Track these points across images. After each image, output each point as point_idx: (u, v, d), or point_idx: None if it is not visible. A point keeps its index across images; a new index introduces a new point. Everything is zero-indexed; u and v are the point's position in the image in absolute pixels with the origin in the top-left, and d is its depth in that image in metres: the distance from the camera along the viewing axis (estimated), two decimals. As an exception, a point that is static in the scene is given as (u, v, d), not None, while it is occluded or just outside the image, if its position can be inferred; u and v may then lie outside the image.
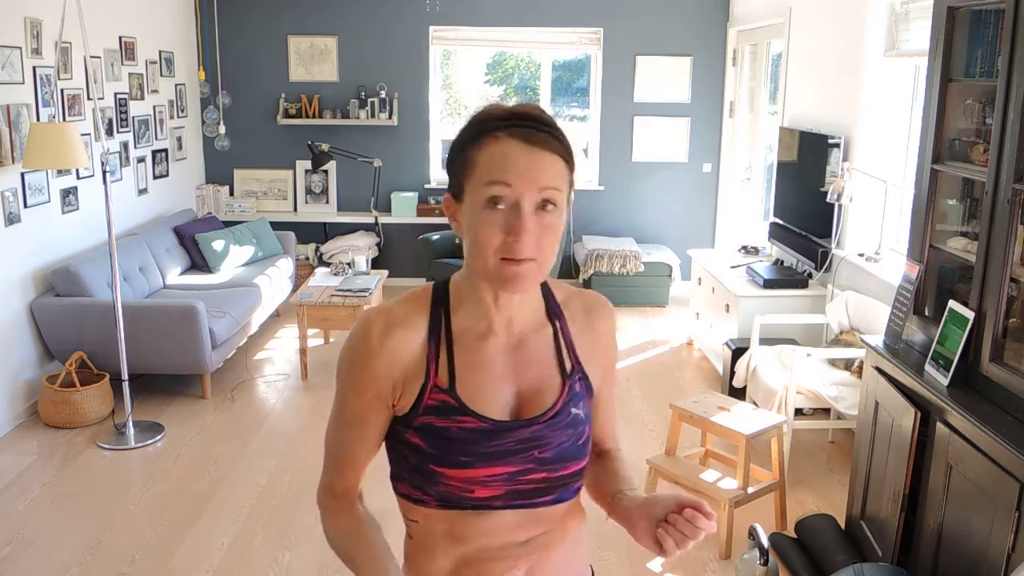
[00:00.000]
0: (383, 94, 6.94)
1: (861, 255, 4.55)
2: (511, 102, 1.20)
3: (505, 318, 1.24)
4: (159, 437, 4.33)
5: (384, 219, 7.09)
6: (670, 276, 6.72)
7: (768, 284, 4.87)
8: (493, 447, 1.20)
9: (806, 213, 5.12)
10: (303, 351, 5.17)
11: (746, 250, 5.84)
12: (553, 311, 1.29)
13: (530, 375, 1.24)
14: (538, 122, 1.16)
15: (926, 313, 3.00)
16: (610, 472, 1.36)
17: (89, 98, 5.11)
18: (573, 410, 1.25)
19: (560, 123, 1.20)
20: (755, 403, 4.18)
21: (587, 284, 6.51)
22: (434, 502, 1.22)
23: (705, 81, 7.03)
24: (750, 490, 3.32)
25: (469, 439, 1.19)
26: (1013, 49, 2.44)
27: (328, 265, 6.60)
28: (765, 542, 2.93)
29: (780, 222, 5.49)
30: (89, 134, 5.12)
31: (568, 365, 1.27)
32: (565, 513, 1.29)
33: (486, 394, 1.21)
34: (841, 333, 4.36)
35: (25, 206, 4.51)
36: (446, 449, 1.19)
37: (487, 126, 1.16)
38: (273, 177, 7.18)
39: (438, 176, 7.30)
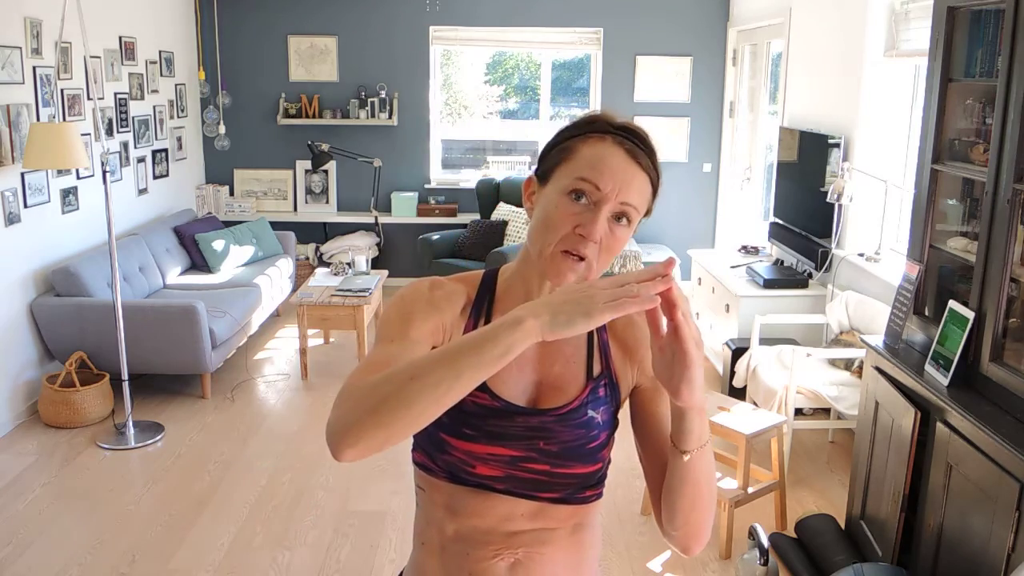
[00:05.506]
0: (383, 94, 6.94)
1: (861, 255, 4.55)
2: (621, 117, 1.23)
3: None
4: (159, 437, 4.33)
5: (384, 219, 7.09)
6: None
7: (768, 284, 4.87)
8: (497, 426, 1.22)
9: (806, 213, 5.12)
10: (303, 351, 5.16)
11: (746, 250, 5.84)
12: None
13: (555, 369, 1.26)
14: (642, 141, 1.20)
15: (926, 313, 3.00)
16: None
17: (89, 98, 5.11)
18: (591, 412, 1.25)
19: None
20: (755, 403, 4.18)
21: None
22: (442, 473, 1.25)
23: (705, 81, 7.03)
24: (750, 490, 3.32)
25: (478, 413, 1.22)
26: (1013, 49, 2.44)
27: (328, 265, 6.60)
28: (765, 542, 2.93)
29: (780, 222, 5.49)
30: (89, 134, 5.12)
31: (597, 368, 1.28)
32: (574, 519, 1.28)
33: (508, 377, 1.24)
34: (841, 333, 4.36)
35: (25, 206, 4.51)
36: (456, 419, 1.22)
37: (596, 125, 1.20)
38: (273, 177, 7.18)
39: (438, 176, 7.29)
